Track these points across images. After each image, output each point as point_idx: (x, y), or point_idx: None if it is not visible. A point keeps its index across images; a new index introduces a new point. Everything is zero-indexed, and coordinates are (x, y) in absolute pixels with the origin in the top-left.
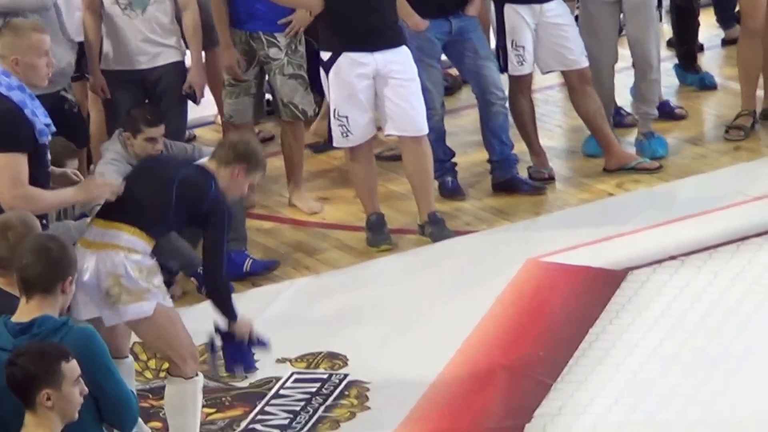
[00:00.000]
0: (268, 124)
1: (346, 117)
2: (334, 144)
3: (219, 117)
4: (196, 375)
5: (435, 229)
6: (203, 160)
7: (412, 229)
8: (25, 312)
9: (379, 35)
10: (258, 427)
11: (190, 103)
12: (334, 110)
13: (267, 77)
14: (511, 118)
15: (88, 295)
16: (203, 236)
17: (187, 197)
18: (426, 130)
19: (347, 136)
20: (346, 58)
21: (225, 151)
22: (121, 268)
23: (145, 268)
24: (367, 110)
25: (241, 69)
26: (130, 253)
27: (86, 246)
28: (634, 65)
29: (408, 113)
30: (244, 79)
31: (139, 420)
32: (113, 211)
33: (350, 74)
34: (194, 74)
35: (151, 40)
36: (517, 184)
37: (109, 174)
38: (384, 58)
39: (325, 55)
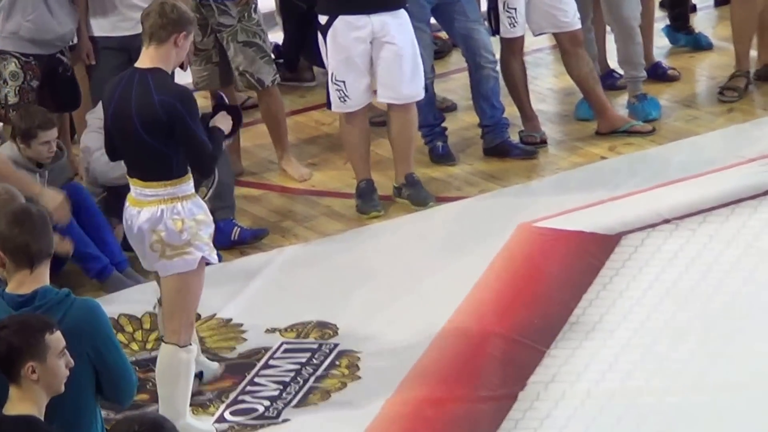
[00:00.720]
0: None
1: (344, 81)
2: (332, 109)
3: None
4: (190, 344)
5: (413, 191)
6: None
7: None
8: (23, 284)
9: None
10: (247, 398)
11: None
12: (332, 74)
13: (224, 45)
14: (502, 82)
15: (141, 249)
16: (184, 152)
17: (151, 131)
18: (420, 96)
19: (344, 101)
20: (342, 21)
21: (157, 31)
22: (161, 224)
23: (188, 219)
24: (365, 75)
25: (198, 38)
26: (172, 202)
27: (133, 204)
28: (612, 29)
29: (400, 80)
30: (203, 47)
31: None
32: (136, 172)
33: (347, 38)
34: None
35: (134, 5)
36: (508, 148)
37: (92, 142)
38: (381, 21)
39: (323, 19)
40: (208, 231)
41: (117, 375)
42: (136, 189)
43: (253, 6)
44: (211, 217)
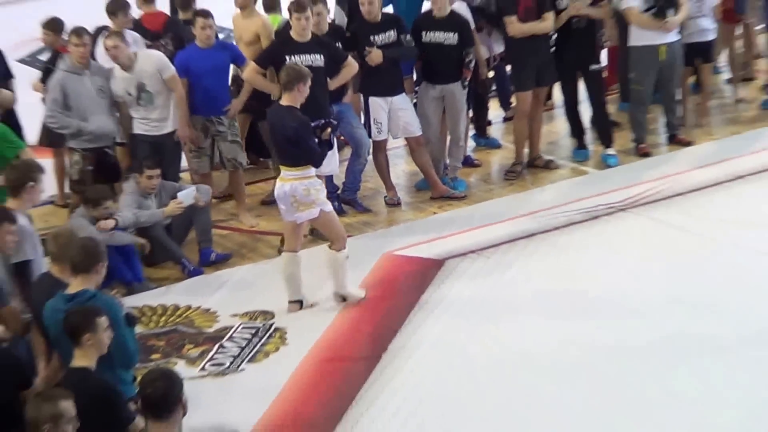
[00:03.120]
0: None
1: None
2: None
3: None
4: (344, 249)
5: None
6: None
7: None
8: (73, 287)
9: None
10: (219, 356)
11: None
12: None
13: (215, 144)
14: (373, 166)
15: (286, 207)
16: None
17: (294, 137)
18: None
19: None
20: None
21: (283, 78)
22: (297, 191)
23: (311, 187)
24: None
25: (200, 141)
26: (302, 180)
27: (282, 180)
28: (449, 137)
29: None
30: (203, 146)
31: None
32: (284, 159)
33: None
34: (181, 129)
35: (159, 119)
36: (354, 204)
37: (124, 202)
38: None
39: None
40: (323, 192)
41: (120, 346)
42: (284, 171)
43: (235, 118)
44: (324, 187)
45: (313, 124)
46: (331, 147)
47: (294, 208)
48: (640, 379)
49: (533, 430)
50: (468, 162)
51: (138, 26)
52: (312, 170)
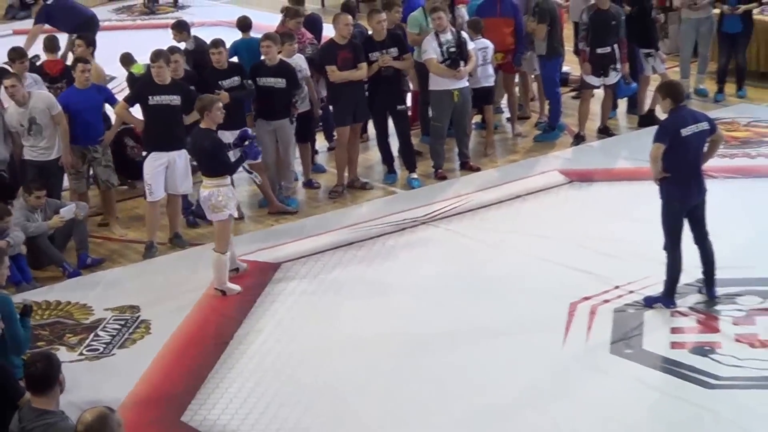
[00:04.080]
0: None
1: None
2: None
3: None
4: (224, 253)
5: (178, 240)
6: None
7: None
8: None
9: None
10: (94, 343)
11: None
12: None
13: (92, 167)
14: None
15: (205, 209)
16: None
17: (210, 153)
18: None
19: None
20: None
21: (198, 105)
22: (213, 196)
23: (222, 195)
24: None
25: (79, 166)
26: (218, 187)
27: (203, 188)
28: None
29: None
30: (81, 170)
31: None
32: (203, 171)
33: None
34: (64, 156)
35: (46, 147)
36: (205, 217)
37: (15, 217)
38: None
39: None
40: (233, 202)
41: (11, 336)
42: (204, 179)
43: (107, 147)
44: (235, 196)
45: (234, 138)
46: (248, 155)
47: (210, 211)
48: (434, 357)
49: (353, 399)
50: (310, 185)
51: (40, 70)
52: (227, 179)
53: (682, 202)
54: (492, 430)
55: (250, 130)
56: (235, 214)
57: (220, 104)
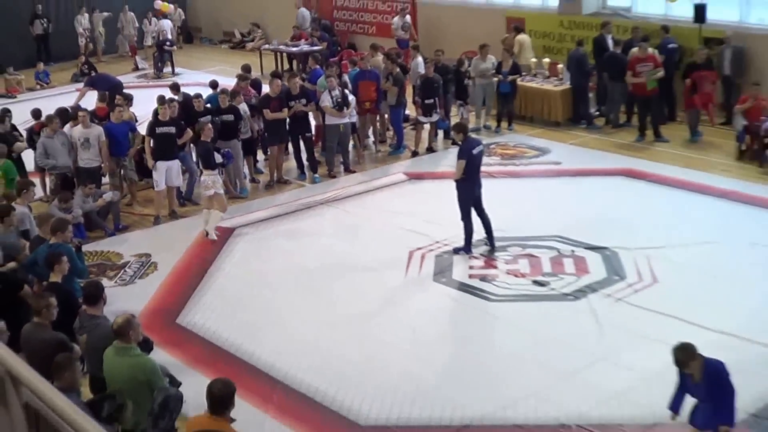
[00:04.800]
0: None
1: None
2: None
3: None
4: (224, 213)
5: (174, 215)
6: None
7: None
8: (52, 241)
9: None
10: (124, 276)
11: None
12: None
13: (122, 170)
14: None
15: (204, 187)
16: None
17: (205, 156)
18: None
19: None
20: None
21: (197, 128)
22: (207, 180)
23: (211, 180)
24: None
25: (114, 169)
26: (210, 175)
27: (203, 175)
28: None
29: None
30: (115, 172)
31: None
32: (203, 165)
33: None
34: (105, 163)
35: (94, 157)
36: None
37: (76, 200)
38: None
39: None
40: (220, 183)
41: (73, 268)
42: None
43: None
44: (220, 181)
45: (221, 152)
46: (226, 158)
47: (206, 188)
48: (321, 281)
49: (280, 303)
50: (254, 181)
51: (94, 114)
52: (215, 171)
53: (471, 191)
54: (354, 327)
55: (230, 150)
56: (221, 192)
57: (209, 129)
